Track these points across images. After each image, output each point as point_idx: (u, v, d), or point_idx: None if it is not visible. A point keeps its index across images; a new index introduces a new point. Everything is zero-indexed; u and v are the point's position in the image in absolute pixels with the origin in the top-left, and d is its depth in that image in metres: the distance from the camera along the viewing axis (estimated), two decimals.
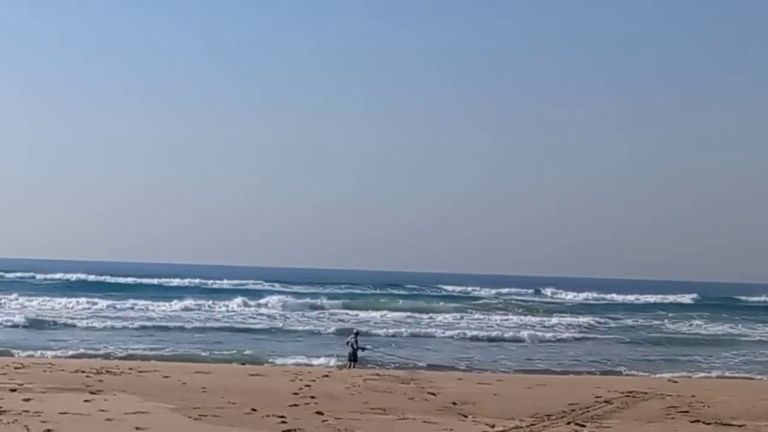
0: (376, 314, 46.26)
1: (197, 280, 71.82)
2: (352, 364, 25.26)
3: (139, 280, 69.87)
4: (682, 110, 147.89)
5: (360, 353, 25.82)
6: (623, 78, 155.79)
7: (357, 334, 26.52)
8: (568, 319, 46.90)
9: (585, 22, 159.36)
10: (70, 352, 27.74)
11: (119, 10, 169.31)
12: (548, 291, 74.42)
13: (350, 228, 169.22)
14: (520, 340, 37.23)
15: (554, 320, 46.12)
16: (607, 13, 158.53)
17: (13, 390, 16.02)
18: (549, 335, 39.59)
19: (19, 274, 72.88)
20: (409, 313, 46.84)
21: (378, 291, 69.42)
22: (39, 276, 70.91)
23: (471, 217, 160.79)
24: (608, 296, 70.55)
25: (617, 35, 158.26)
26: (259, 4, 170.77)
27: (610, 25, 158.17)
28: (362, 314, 46.59)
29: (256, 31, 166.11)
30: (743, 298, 76.18)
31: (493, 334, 38.79)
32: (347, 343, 26.02)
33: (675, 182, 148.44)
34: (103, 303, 46.45)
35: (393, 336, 37.15)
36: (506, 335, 38.41)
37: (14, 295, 48.40)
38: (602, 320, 47.99)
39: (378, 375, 22.14)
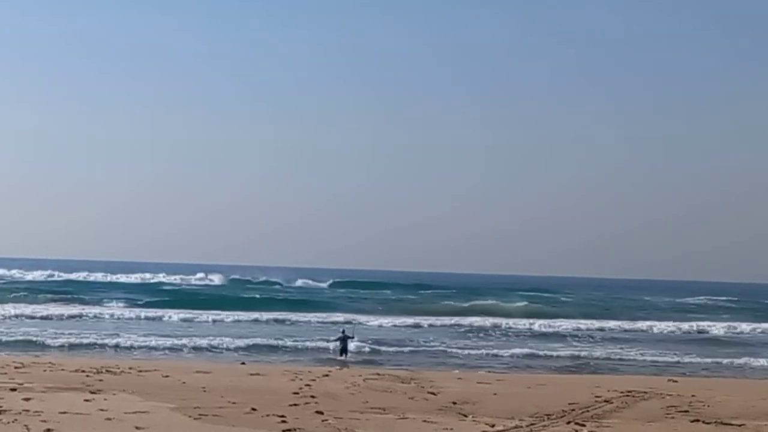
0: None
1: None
2: (345, 356, 28.40)
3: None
4: (682, 110, 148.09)
5: (350, 343, 29.12)
6: (623, 78, 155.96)
7: (344, 332, 29.85)
8: None
9: (585, 21, 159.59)
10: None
11: (119, 10, 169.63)
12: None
13: (350, 228, 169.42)
14: None
15: None
16: (607, 13, 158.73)
17: (13, 389, 16.03)
18: None
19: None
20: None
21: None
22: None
23: (471, 217, 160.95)
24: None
25: (617, 35, 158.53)
26: (259, 4, 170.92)
27: (610, 25, 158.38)
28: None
29: (256, 31, 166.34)
30: None
31: None
32: (337, 340, 29.39)
33: (675, 182, 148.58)
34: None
35: None
36: None
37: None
38: None
39: (378, 374, 22.14)
